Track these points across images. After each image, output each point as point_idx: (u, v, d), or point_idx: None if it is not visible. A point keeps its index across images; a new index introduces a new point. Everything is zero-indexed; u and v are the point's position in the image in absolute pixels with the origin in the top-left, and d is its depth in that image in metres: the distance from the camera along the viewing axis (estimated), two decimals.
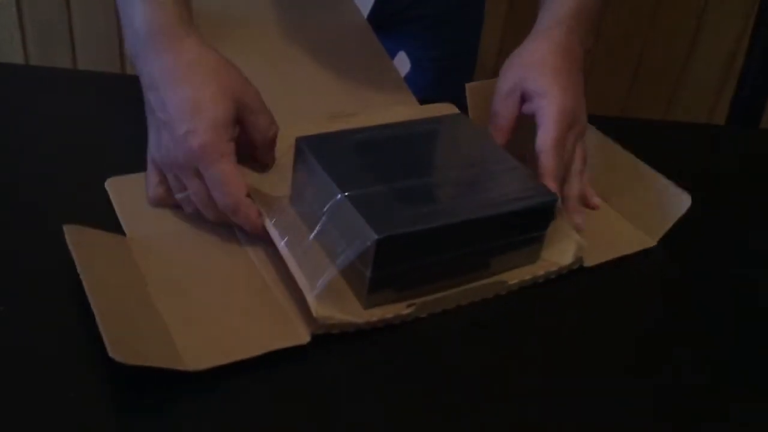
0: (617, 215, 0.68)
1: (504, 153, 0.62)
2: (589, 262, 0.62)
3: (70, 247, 0.52)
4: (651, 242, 0.65)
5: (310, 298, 0.51)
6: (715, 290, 0.62)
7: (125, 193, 0.62)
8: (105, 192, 0.62)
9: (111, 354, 0.44)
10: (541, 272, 0.59)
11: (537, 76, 0.63)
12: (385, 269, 0.53)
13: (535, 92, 0.63)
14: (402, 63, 0.97)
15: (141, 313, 0.51)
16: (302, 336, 0.52)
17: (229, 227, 0.59)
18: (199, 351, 0.49)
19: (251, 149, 0.61)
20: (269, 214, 0.57)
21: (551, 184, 0.60)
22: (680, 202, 0.63)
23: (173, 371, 0.47)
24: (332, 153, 0.58)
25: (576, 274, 0.61)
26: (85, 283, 0.49)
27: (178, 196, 0.59)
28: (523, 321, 0.57)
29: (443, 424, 0.48)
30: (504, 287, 0.58)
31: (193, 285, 0.55)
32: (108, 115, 0.73)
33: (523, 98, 0.64)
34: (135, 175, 0.63)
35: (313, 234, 0.56)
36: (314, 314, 0.51)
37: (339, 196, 0.54)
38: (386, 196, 0.54)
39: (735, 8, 1.66)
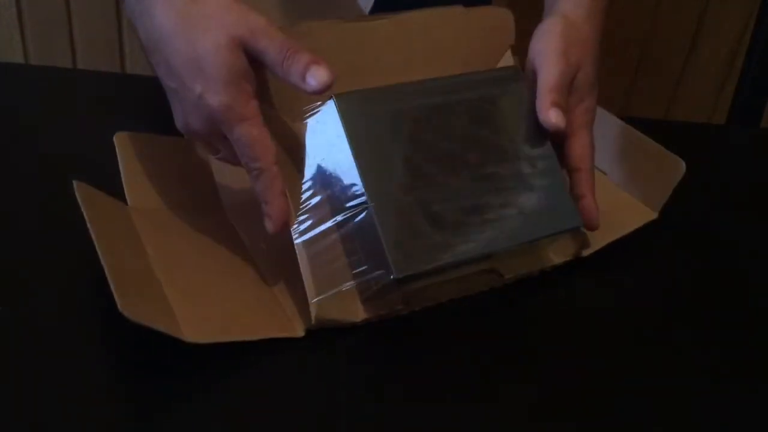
0: (615, 187, 0.67)
1: (543, 142, 0.58)
2: (592, 247, 0.61)
3: (80, 202, 0.51)
4: (652, 214, 0.64)
5: (313, 305, 0.51)
6: (715, 290, 0.62)
7: (133, 153, 0.59)
8: (105, 191, 0.62)
9: (121, 308, 0.43)
10: (538, 267, 0.59)
11: (544, 44, 0.59)
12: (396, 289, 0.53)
13: (537, 56, 0.59)
14: None
15: (144, 278, 0.51)
16: (297, 329, 0.52)
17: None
18: (197, 325, 0.49)
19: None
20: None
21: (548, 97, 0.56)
22: (676, 168, 0.62)
23: (174, 342, 0.46)
24: (368, 131, 0.52)
25: (575, 267, 0.61)
26: (94, 237, 0.48)
27: (217, 158, 0.55)
28: (523, 316, 0.57)
29: (443, 422, 0.48)
30: (500, 281, 0.58)
31: (190, 264, 0.55)
32: (108, 115, 0.73)
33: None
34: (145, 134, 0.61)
35: (332, 224, 0.53)
36: (313, 320, 0.51)
37: (366, 206, 0.51)
38: (415, 212, 0.52)
39: (735, 8, 1.65)
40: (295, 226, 0.52)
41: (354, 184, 0.51)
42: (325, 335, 0.52)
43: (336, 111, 0.52)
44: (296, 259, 0.52)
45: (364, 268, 0.52)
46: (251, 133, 0.50)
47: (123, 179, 0.59)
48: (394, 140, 0.53)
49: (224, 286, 0.55)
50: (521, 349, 0.55)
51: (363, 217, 0.51)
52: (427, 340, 0.54)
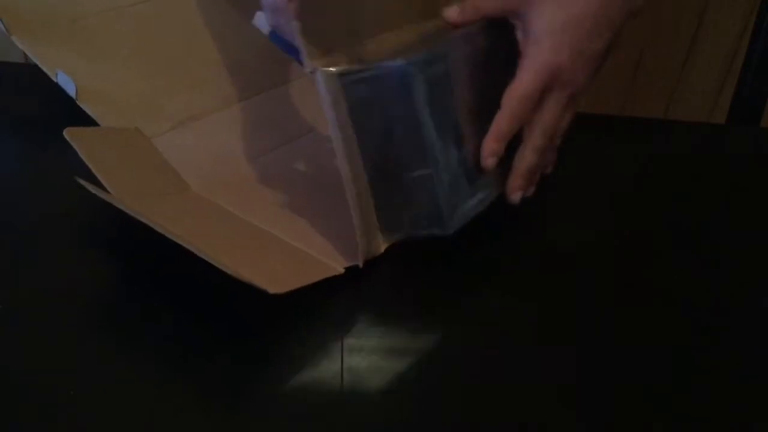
0: None
1: None
2: None
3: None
4: None
5: (380, 241, 0.57)
6: (714, 290, 0.62)
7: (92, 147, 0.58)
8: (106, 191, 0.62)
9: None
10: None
11: (541, 9, 0.54)
12: None
13: (529, 32, 0.54)
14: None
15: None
16: (336, 269, 0.55)
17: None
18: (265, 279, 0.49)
19: None
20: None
21: (489, 143, 0.55)
22: None
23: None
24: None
25: (576, 269, 0.60)
26: (101, 179, 0.50)
27: None
28: (519, 319, 0.58)
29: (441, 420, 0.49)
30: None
31: (211, 237, 0.54)
32: None
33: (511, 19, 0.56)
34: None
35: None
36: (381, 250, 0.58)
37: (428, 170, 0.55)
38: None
39: (735, 8, 1.66)
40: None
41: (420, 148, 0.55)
42: (320, 337, 0.52)
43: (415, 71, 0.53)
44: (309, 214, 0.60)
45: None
46: None
47: (98, 174, 0.55)
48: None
49: (253, 250, 0.55)
50: (521, 353, 0.55)
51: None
52: (431, 348, 0.54)
